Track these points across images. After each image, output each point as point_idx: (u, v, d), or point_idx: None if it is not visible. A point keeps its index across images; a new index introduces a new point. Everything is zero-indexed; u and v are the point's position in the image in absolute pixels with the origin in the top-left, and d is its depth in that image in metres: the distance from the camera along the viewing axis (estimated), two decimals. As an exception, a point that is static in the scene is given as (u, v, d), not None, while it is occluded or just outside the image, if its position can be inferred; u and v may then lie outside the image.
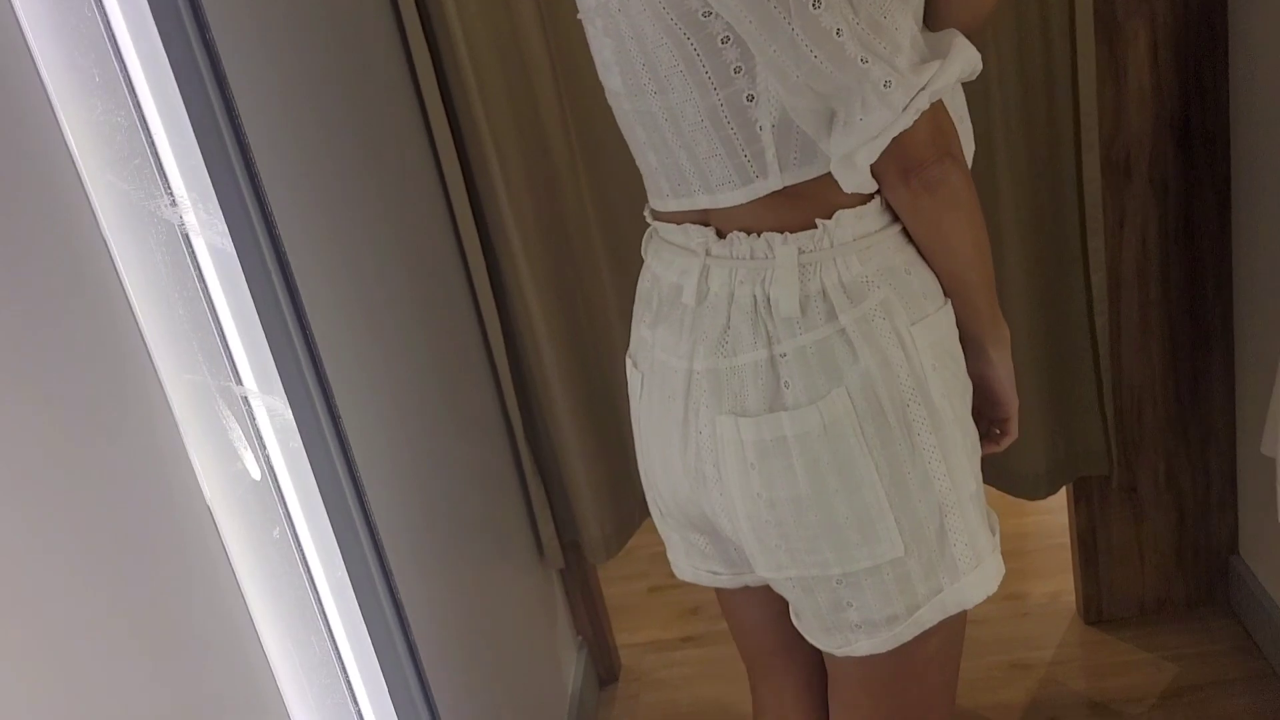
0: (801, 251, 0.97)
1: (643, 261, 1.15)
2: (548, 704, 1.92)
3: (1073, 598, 2.17)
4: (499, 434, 1.87)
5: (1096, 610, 2.11)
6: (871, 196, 0.99)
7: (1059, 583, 2.22)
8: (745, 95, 0.93)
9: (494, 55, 1.68)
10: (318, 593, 0.47)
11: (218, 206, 0.42)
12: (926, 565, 1.02)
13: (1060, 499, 2.16)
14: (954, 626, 1.09)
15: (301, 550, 0.47)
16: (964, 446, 1.03)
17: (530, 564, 1.96)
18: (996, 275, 1.76)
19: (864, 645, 1.06)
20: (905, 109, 0.89)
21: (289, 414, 0.43)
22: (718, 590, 1.27)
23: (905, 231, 1.01)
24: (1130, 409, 1.92)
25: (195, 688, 0.51)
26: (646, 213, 1.13)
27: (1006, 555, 2.47)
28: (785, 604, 1.20)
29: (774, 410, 0.98)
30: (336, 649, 0.52)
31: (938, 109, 0.93)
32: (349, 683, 0.51)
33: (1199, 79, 1.72)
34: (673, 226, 1.06)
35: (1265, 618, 1.92)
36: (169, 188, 0.42)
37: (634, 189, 1.20)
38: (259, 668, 0.50)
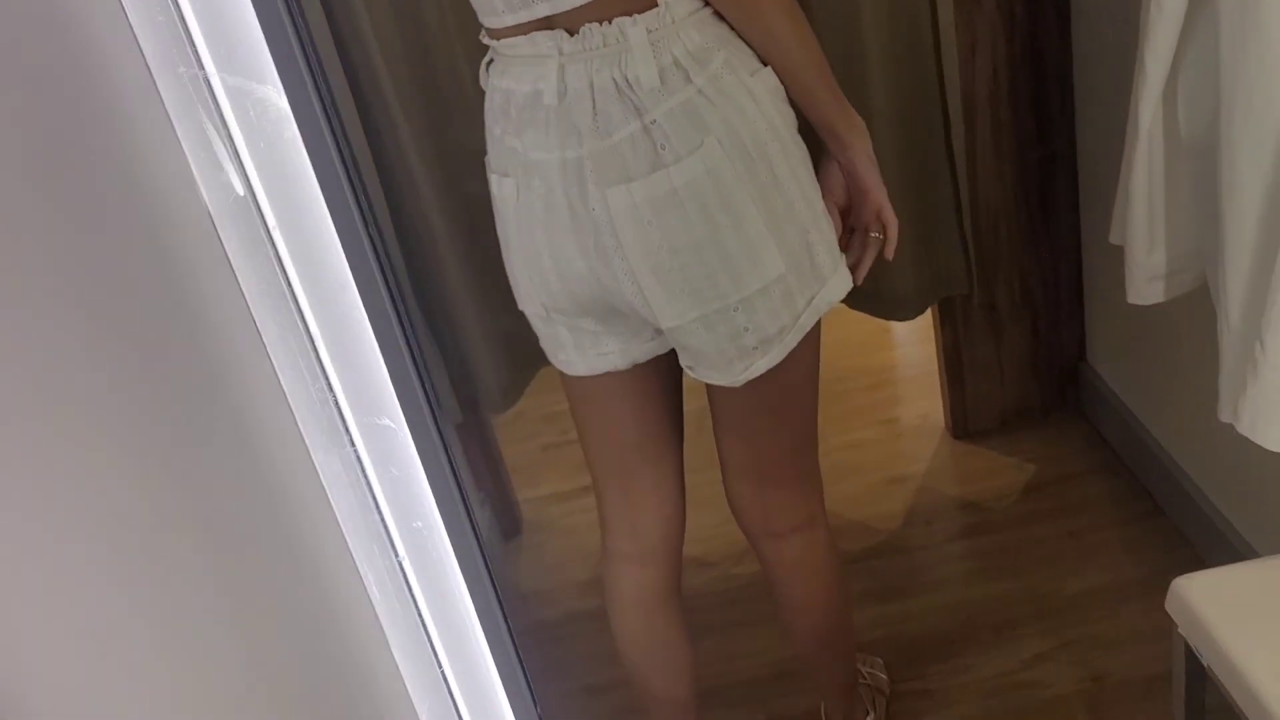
0: (650, 30, 1.09)
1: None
2: (457, 555, 1.97)
3: (941, 417, 2.33)
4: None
5: (963, 424, 2.27)
6: None
7: (928, 405, 2.38)
8: None
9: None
10: (296, 297, 0.51)
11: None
12: (801, 278, 1.18)
13: (926, 332, 2.30)
14: (817, 338, 1.27)
15: (280, 258, 0.50)
16: (808, 173, 1.19)
17: (429, 421, 1.98)
18: (861, 105, 1.84)
19: (761, 364, 1.20)
20: None
21: (284, 103, 0.45)
22: (585, 392, 1.35)
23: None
24: (987, 229, 2.05)
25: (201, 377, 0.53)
26: (483, 36, 1.19)
27: (879, 385, 2.62)
28: (658, 385, 1.34)
29: (658, 169, 1.10)
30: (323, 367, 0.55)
31: None
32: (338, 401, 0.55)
33: (1039, -97, 1.81)
34: (518, 40, 1.13)
35: (1111, 415, 2.11)
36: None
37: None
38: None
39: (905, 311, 2.05)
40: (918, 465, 2.24)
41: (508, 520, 2.28)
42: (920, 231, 1.98)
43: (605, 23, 1.09)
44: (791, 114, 1.19)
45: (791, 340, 1.20)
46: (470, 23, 1.77)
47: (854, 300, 2.08)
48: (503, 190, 1.23)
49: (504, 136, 1.20)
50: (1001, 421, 2.26)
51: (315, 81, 0.46)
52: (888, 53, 1.82)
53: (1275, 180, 1.11)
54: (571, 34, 1.10)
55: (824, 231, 1.20)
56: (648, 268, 1.15)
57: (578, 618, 2.06)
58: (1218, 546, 1.77)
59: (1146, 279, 1.43)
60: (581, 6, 1.08)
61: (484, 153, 1.84)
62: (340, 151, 0.49)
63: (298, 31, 0.46)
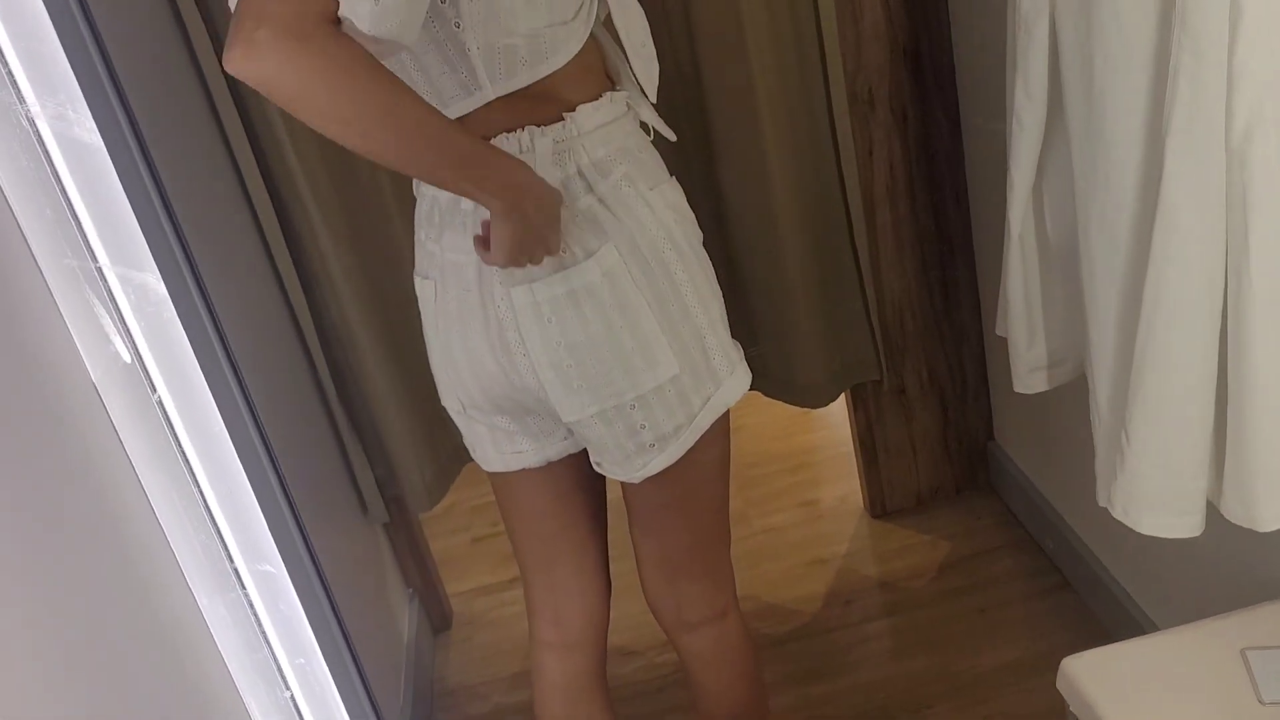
0: (556, 141, 1.16)
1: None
2: (385, 654, 1.98)
3: (859, 497, 2.40)
4: (311, 396, 1.90)
5: (880, 505, 2.34)
6: (602, 93, 1.19)
7: (847, 486, 2.45)
8: (454, 23, 1.11)
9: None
10: (186, 455, 0.55)
11: (85, 106, 0.48)
12: (696, 379, 1.24)
13: (843, 414, 2.37)
14: (723, 435, 1.32)
15: (169, 421, 0.54)
16: (707, 281, 1.26)
17: (354, 521, 2.00)
18: (767, 208, 1.93)
19: (659, 461, 1.26)
20: None
21: (161, 288, 0.49)
22: (506, 486, 1.41)
23: (637, 120, 1.24)
24: (893, 318, 2.14)
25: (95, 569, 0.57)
26: None
27: (798, 468, 2.68)
28: (575, 480, 1.38)
29: (558, 270, 1.17)
30: (218, 529, 0.59)
31: None
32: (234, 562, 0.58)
33: (924, 13, 1.93)
34: None
35: (1019, 492, 2.19)
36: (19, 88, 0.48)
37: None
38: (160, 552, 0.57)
39: (818, 399, 2.12)
40: (837, 546, 2.30)
41: (437, 615, 2.29)
42: (830, 323, 2.07)
43: (518, 130, 1.17)
44: (692, 227, 1.27)
45: (688, 439, 1.26)
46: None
47: (769, 388, 2.16)
48: (424, 292, 1.30)
49: (426, 240, 1.27)
50: (917, 500, 2.34)
51: (191, 266, 0.51)
52: (790, 157, 1.92)
53: (1129, 284, 1.20)
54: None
55: (720, 336, 1.27)
56: (547, 363, 1.21)
57: (507, 712, 2.07)
58: (1120, 619, 1.84)
59: (1029, 370, 1.51)
60: (495, 117, 1.16)
61: (403, 260, 1.90)
62: (217, 327, 0.54)
63: (173, 221, 0.51)
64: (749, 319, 2.05)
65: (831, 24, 1.87)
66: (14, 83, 0.51)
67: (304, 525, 0.61)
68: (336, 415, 1.96)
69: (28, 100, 0.51)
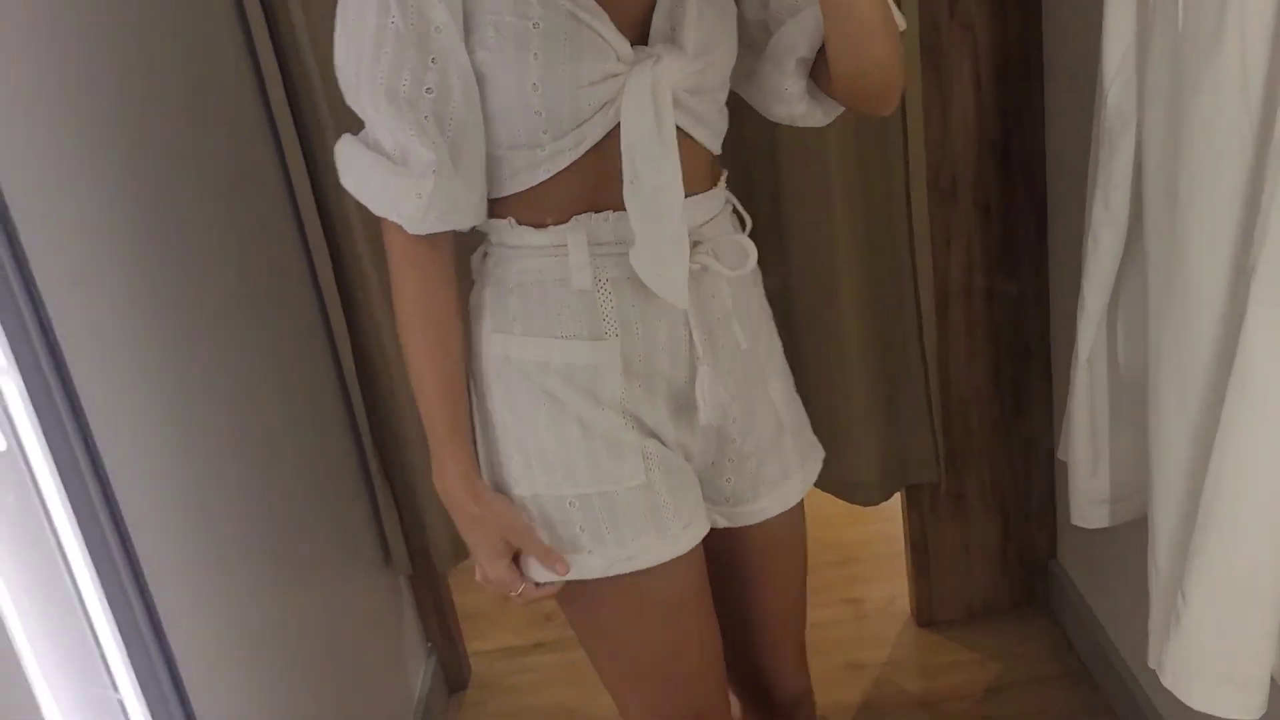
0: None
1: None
2: (391, 711, 1.92)
3: (907, 601, 2.26)
4: (345, 438, 1.86)
5: (928, 613, 2.20)
6: (506, 216, 1.10)
7: (895, 587, 2.31)
8: None
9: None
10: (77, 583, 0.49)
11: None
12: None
13: (898, 508, 2.25)
14: (600, 616, 1.19)
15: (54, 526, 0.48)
16: (522, 459, 1.12)
17: (375, 570, 1.95)
18: (833, 290, 1.84)
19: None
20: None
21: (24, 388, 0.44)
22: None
23: (550, 258, 1.10)
24: (958, 419, 2.02)
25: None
26: None
27: (846, 562, 2.55)
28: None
29: None
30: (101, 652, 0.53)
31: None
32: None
33: (1017, 107, 1.83)
34: None
35: (1079, 619, 2.04)
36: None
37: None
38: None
39: (869, 497, 2.01)
40: (879, 651, 2.17)
41: (454, 673, 2.22)
42: (889, 419, 1.96)
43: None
44: (528, 398, 1.11)
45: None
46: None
47: (818, 480, 2.05)
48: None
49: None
50: (968, 613, 2.20)
51: (60, 373, 0.46)
52: (862, 243, 1.83)
53: (1200, 431, 1.08)
54: None
55: (591, 504, 1.11)
56: None
57: (513, 785, 1.98)
58: (1173, 777, 1.68)
59: (1088, 502, 1.40)
60: None
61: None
62: (80, 425, 0.48)
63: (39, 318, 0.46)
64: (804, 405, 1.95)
65: (917, 107, 1.78)
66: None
67: (169, 649, 0.55)
68: (369, 460, 1.91)
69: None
